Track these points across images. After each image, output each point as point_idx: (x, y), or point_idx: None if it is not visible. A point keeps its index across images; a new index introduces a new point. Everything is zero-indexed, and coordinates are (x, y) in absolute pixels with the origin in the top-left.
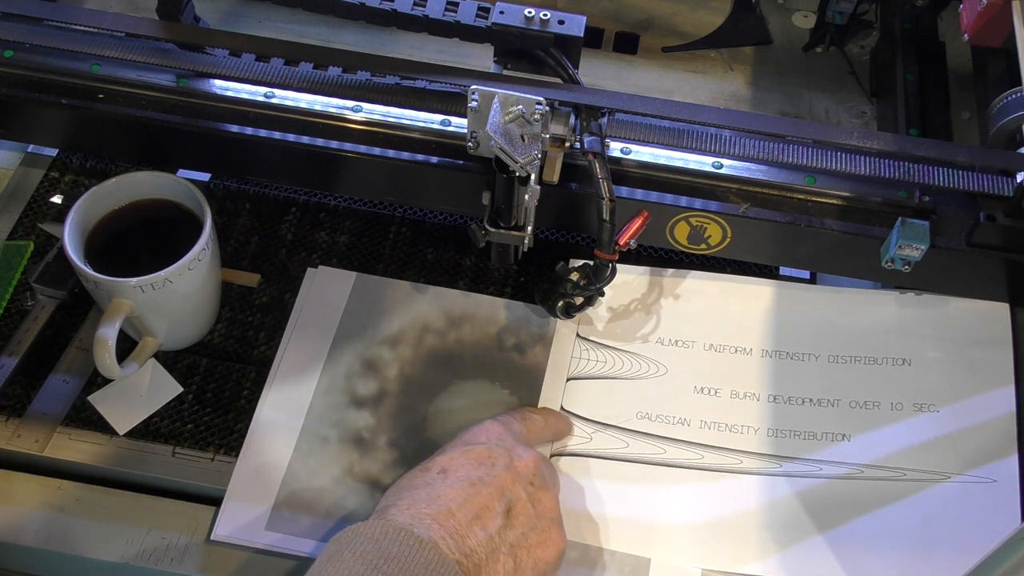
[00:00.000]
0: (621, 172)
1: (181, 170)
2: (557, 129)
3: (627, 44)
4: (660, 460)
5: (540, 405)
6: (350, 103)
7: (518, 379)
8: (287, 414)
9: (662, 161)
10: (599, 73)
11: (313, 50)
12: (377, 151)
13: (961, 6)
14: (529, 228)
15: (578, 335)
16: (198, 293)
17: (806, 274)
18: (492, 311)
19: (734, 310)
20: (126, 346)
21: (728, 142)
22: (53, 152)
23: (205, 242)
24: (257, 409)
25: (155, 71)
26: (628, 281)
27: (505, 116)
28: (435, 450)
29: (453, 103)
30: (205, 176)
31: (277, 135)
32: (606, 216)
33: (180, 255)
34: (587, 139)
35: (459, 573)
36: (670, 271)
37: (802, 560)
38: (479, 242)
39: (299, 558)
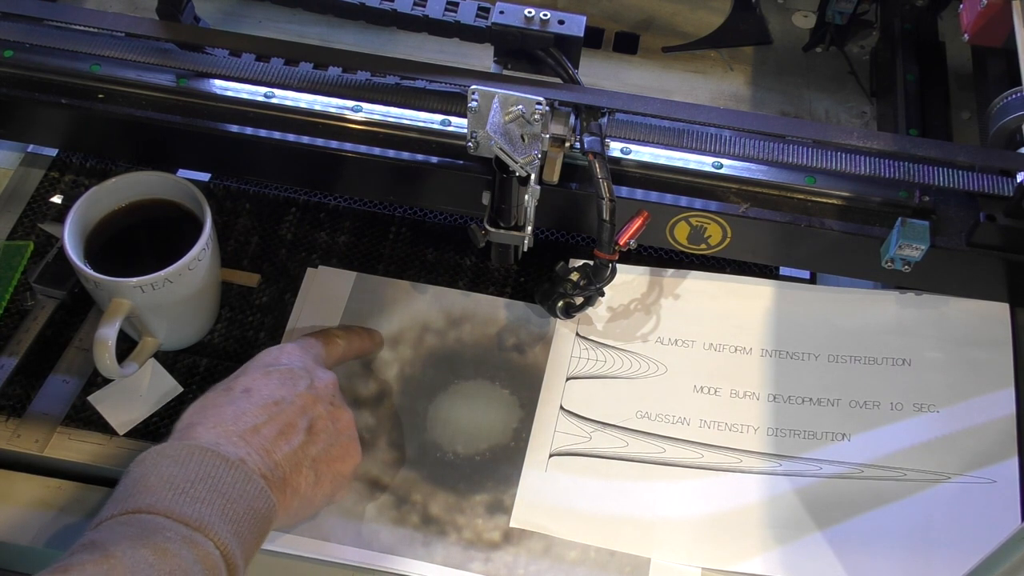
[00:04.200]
0: (621, 172)
1: (181, 170)
2: (557, 129)
3: (627, 44)
4: (660, 459)
5: (540, 405)
6: (350, 103)
7: (518, 379)
8: None
9: (662, 161)
10: (599, 73)
11: (313, 50)
12: (377, 151)
13: (961, 6)
14: (529, 228)
15: (578, 335)
16: (198, 293)
17: (806, 274)
18: (492, 311)
19: (734, 310)
20: (126, 346)
21: (728, 142)
22: (53, 152)
23: (205, 242)
24: None
25: (155, 71)
26: (628, 281)
27: (505, 116)
28: (435, 451)
29: (453, 103)
30: (205, 176)
31: (277, 135)
32: (606, 216)
33: (180, 255)
34: (587, 139)
35: (265, 488)
36: (670, 271)
37: (802, 559)
38: (479, 242)
39: (299, 558)
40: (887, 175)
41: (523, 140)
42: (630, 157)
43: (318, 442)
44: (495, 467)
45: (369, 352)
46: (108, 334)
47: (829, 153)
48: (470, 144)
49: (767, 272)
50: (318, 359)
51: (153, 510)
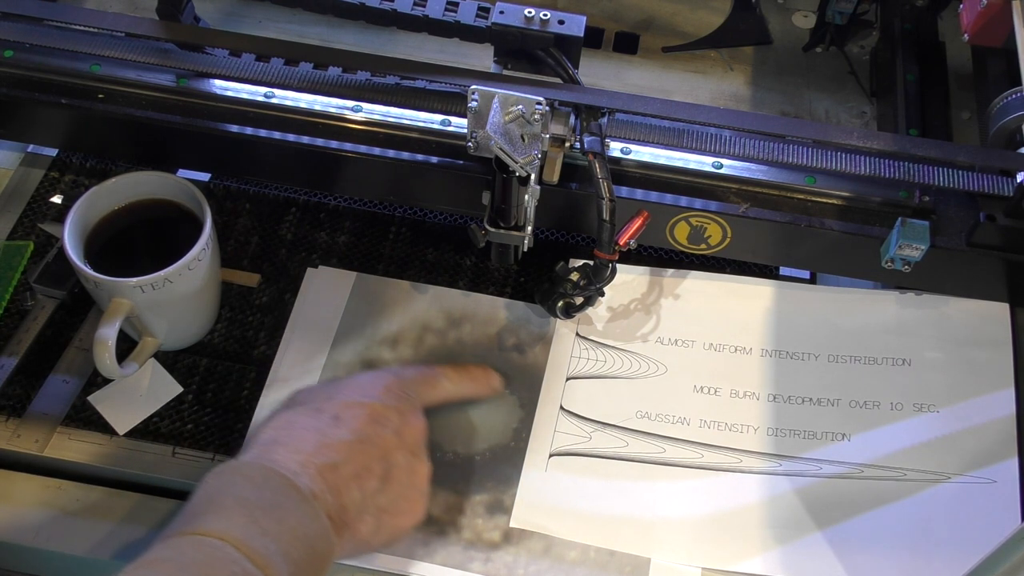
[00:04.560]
0: (621, 172)
1: (181, 170)
2: (557, 129)
3: (627, 44)
4: (660, 459)
5: (540, 405)
6: (350, 103)
7: (518, 379)
8: None
9: (662, 161)
10: (599, 73)
11: (313, 50)
12: (377, 151)
13: (961, 6)
14: (529, 228)
15: (578, 335)
16: (198, 293)
17: (806, 274)
18: (492, 311)
19: (734, 310)
20: (126, 346)
21: (728, 142)
22: (53, 152)
23: (205, 242)
24: (257, 409)
25: (155, 71)
26: (628, 281)
27: (505, 116)
28: (435, 450)
29: (453, 103)
30: (205, 176)
31: (277, 135)
32: (606, 216)
33: (180, 255)
34: (587, 139)
35: (329, 529)
36: (670, 271)
37: (802, 559)
38: (479, 242)
39: None
40: (887, 175)
41: (523, 140)
42: (630, 157)
43: (389, 492)
44: (495, 467)
45: (483, 396)
46: (108, 334)
47: (829, 153)
48: (470, 144)
49: (767, 272)
50: (415, 400)
51: (224, 537)
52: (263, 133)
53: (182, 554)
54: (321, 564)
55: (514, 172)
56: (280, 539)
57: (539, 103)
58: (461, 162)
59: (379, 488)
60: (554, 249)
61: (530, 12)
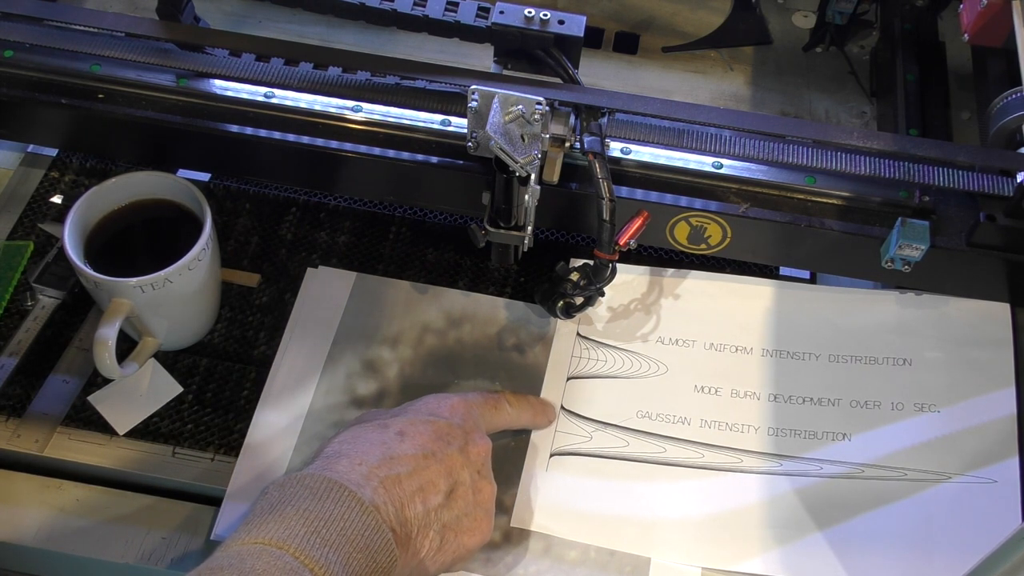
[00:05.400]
0: (621, 172)
1: (181, 170)
2: (557, 129)
3: (627, 44)
4: (660, 459)
5: None
6: (350, 103)
7: (518, 379)
8: (287, 414)
9: (662, 161)
10: (599, 73)
11: (313, 50)
12: (377, 151)
13: (961, 6)
14: (529, 228)
15: (578, 334)
16: (198, 293)
17: (806, 274)
18: (492, 311)
19: (734, 310)
20: (126, 346)
21: (728, 142)
22: (53, 152)
23: (205, 242)
24: (257, 409)
25: (155, 71)
26: (628, 281)
27: (505, 116)
28: None
29: (453, 103)
30: (205, 176)
31: (277, 135)
32: (606, 216)
33: (180, 255)
34: (587, 139)
35: (391, 541)
36: (670, 271)
37: (802, 559)
38: (479, 242)
39: None
40: (887, 175)
41: (523, 140)
42: (630, 157)
43: (454, 509)
44: (495, 467)
45: (539, 426)
46: (108, 334)
47: (829, 153)
48: (470, 144)
49: (767, 272)
50: (479, 421)
51: (284, 546)
52: (263, 133)
53: (242, 562)
54: (382, 575)
55: (514, 172)
56: (341, 549)
57: (539, 103)
58: (461, 162)
59: (443, 504)
60: (554, 249)
61: (530, 12)
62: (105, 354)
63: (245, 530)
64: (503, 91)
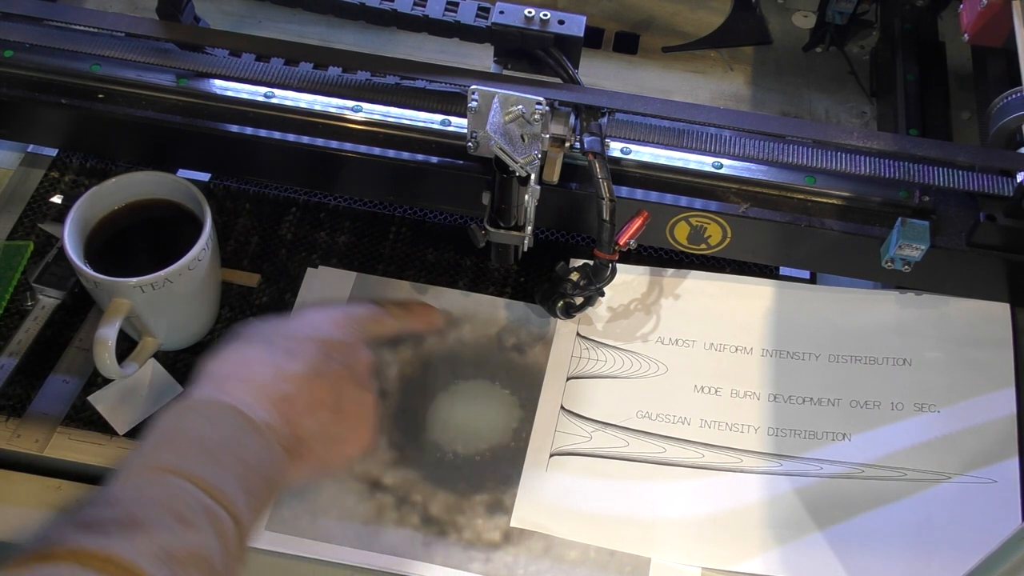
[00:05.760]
0: (621, 172)
1: (181, 170)
2: (557, 129)
3: (627, 44)
4: (660, 459)
5: (540, 405)
6: (350, 103)
7: (518, 379)
8: None
9: (662, 161)
10: (599, 73)
11: (313, 50)
12: (377, 151)
13: (961, 6)
14: (529, 228)
15: (578, 334)
16: (198, 293)
17: (806, 274)
18: (492, 311)
19: (734, 310)
20: (126, 346)
21: (728, 142)
22: (53, 152)
23: (205, 242)
24: None
25: (155, 71)
26: (628, 281)
27: (505, 116)
28: (435, 451)
29: (453, 103)
30: (205, 176)
31: (277, 135)
32: (606, 216)
33: (180, 255)
34: (587, 139)
35: (284, 458)
36: (670, 271)
37: (802, 559)
38: (479, 242)
39: (299, 558)
40: (887, 175)
41: (523, 140)
42: (630, 157)
43: (340, 423)
44: (495, 467)
45: (427, 331)
46: (108, 334)
47: (829, 153)
48: (470, 144)
49: (767, 272)
50: (363, 334)
51: (180, 472)
52: (263, 133)
53: (140, 492)
54: (274, 492)
55: (514, 172)
56: (237, 472)
57: (539, 103)
58: (461, 162)
59: (331, 419)
60: (554, 249)
61: (530, 12)
62: (105, 354)
63: (137, 458)
64: (503, 91)
